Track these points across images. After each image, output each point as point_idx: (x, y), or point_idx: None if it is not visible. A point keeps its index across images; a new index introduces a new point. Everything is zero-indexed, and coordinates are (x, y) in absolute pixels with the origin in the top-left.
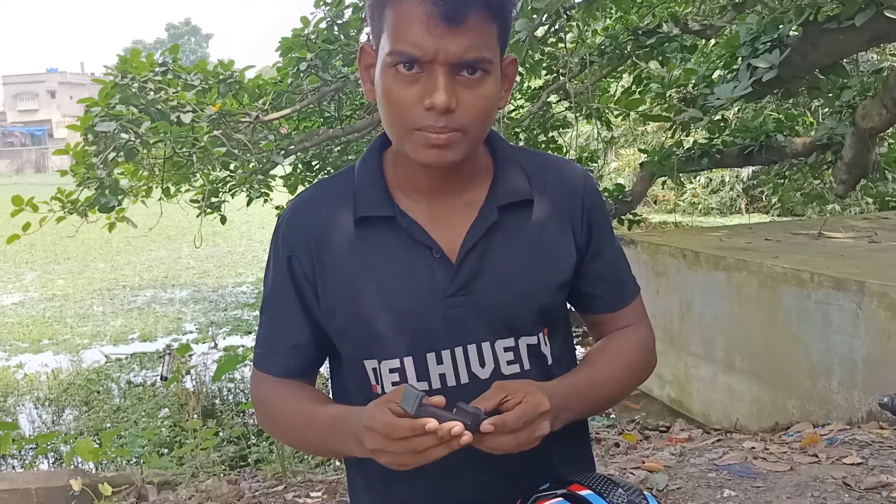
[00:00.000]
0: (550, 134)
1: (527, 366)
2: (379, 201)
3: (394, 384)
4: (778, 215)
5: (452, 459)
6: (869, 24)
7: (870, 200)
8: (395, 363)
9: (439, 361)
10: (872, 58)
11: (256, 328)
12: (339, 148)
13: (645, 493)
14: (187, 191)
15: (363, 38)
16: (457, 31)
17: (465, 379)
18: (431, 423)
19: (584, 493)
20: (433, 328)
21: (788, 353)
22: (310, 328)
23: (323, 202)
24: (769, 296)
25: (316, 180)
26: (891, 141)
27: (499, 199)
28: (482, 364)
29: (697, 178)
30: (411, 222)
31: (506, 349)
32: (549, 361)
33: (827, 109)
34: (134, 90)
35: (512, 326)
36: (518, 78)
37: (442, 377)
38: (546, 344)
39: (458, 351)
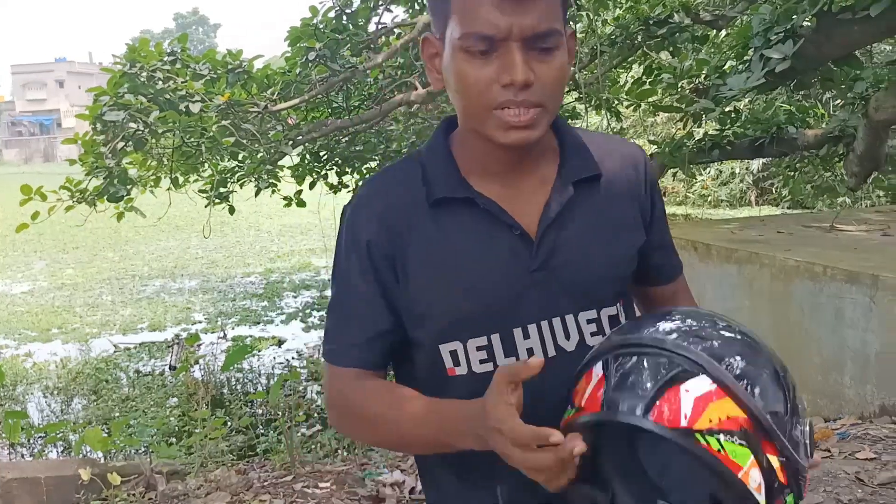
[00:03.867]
0: None
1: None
2: (454, 183)
3: (481, 361)
4: (788, 208)
5: None
6: (884, 14)
7: (881, 193)
8: (483, 341)
9: (526, 336)
10: (886, 49)
11: (277, 322)
12: (347, 139)
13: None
14: (196, 181)
15: (371, 27)
16: (526, 4)
17: (552, 352)
18: (556, 435)
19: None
20: (518, 304)
21: (800, 347)
22: (389, 316)
23: (392, 188)
24: (781, 289)
25: (323, 169)
26: None
27: (571, 175)
28: (567, 336)
29: (707, 169)
30: (489, 202)
31: (588, 321)
32: None
33: (839, 101)
34: (142, 79)
35: (593, 298)
36: None
37: (529, 352)
38: (623, 314)
39: (544, 325)
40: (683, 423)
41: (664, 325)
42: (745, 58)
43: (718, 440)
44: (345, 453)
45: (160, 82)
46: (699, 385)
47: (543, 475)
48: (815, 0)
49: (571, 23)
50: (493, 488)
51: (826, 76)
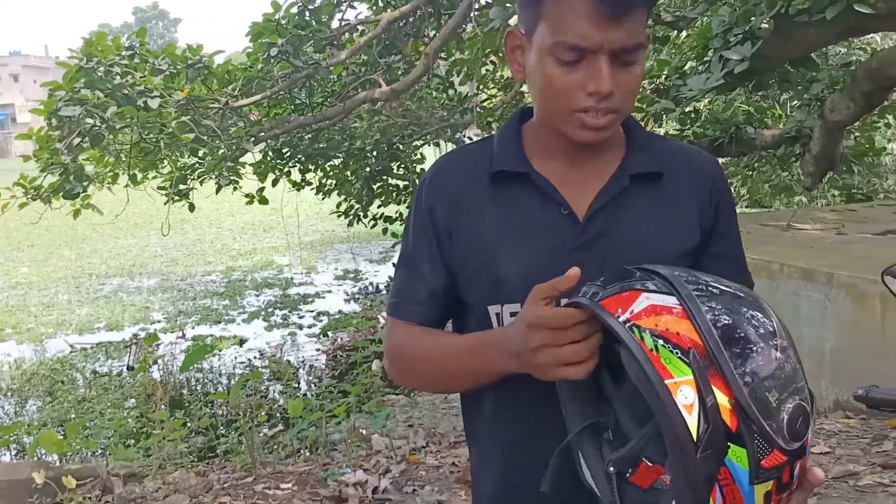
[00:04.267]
0: None
1: None
2: (515, 159)
3: None
4: (746, 206)
5: None
6: (839, 17)
7: (836, 193)
8: (517, 307)
9: None
10: (841, 51)
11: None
12: (310, 136)
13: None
14: (154, 178)
15: (335, 23)
16: (620, 23)
17: None
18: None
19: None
20: (555, 277)
21: None
22: (446, 277)
23: (463, 161)
24: None
25: (286, 166)
26: (857, 134)
27: (630, 168)
28: None
29: None
30: (543, 180)
31: None
32: None
33: (796, 102)
34: (100, 74)
35: None
36: (491, 67)
37: None
38: None
39: None
40: (626, 315)
41: (681, 271)
42: (705, 59)
43: (655, 342)
44: (307, 453)
45: (118, 77)
46: (664, 299)
47: (571, 351)
48: (773, 2)
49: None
50: (541, 452)
51: (783, 77)
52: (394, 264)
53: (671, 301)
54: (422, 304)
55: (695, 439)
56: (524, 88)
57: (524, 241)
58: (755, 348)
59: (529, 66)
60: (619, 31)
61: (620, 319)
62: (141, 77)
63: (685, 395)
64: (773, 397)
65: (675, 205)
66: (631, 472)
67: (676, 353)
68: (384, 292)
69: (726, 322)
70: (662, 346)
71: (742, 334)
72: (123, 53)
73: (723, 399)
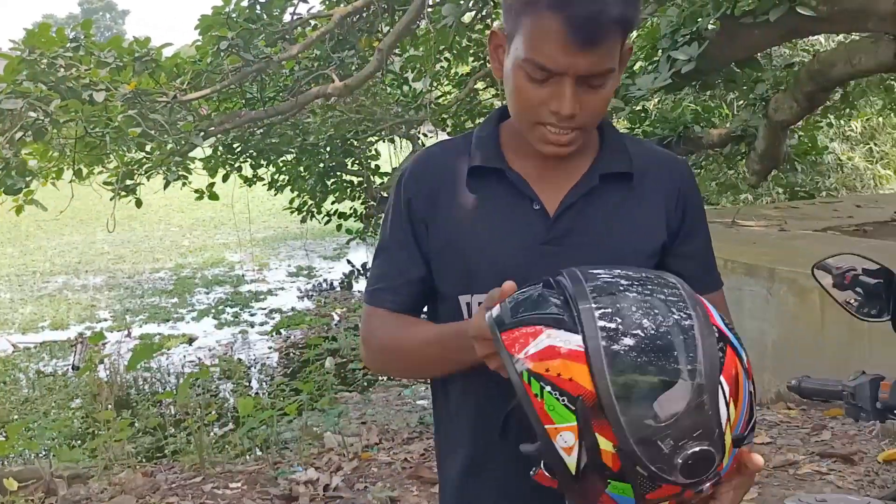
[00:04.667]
0: (478, 121)
1: None
2: (491, 155)
3: None
4: None
5: None
6: (782, 19)
7: (780, 190)
8: (485, 298)
9: None
10: (785, 52)
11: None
12: (262, 130)
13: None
14: (100, 173)
15: (286, 17)
16: (590, 51)
17: None
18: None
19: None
20: (525, 271)
21: None
22: (422, 267)
23: (443, 154)
24: None
25: (237, 162)
26: (801, 134)
27: (601, 168)
28: None
29: None
30: (517, 176)
31: None
32: None
33: (742, 102)
34: (43, 66)
35: None
36: (445, 63)
37: None
38: None
39: None
40: (521, 354)
41: (601, 272)
42: (654, 59)
43: (542, 388)
44: (258, 452)
45: (62, 70)
46: (566, 339)
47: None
48: (719, 4)
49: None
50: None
51: (729, 77)
52: (348, 261)
53: (574, 340)
54: (398, 293)
55: (573, 473)
56: (478, 85)
57: (496, 234)
58: (658, 395)
59: (505, 70)
60: (588, 58)
61: (516, 359)
62: (86, 70)
63: (565, 440)
64: (668, 444)
65: (644, 205)
66: (534, 470)
67: (563, 400)
68: (338, 289)
69: (631, 363)
70: (549, 392)
71: (647, 380)
72: (68, 45)
73: (606, 445)
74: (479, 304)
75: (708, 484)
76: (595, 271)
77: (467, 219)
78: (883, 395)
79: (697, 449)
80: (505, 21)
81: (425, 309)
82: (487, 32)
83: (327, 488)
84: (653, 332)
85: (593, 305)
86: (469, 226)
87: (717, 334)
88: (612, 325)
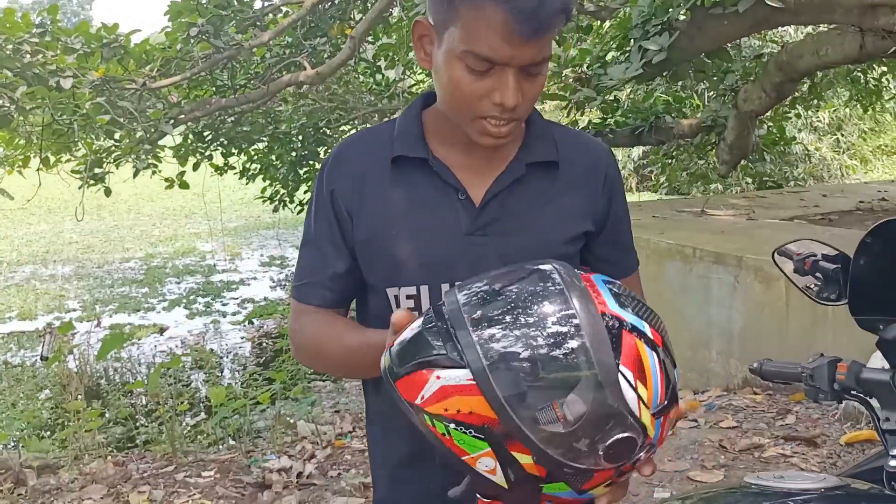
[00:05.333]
0: None
1: None
2: (415, 144)
3: (410, 310)
4: (666, 194)
5: None
6: (751, 10)
7: (749, 180)
8: (412, 290)
9: None
10: (754, 43)
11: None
12: (232, 118)
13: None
14: (68, 161)
15: (257, 4)
16: (533, 42)
17: None
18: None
19: None
20: (451, 262)
21: (672, 324)
22: (348, 259)
23: (364, 144)
24: (655, 270)
25: (208, 150)
26: (770, 124)
27: (527, 157)
28: None
29: None
30: (441, 165)
31: None
32: None
33: (712, 92)
34: (8, 52)
35: None
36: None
37: None
38: None
39: None
40: (418, 401)
41: (468, 292)
42: (625, 49)
43: (446, 427)
44: (231, 442)
45: (28, 56)
46: (455, 376)
47: None
48: None
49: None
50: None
51: (699, 68)
52: None
53: (462, 375)
54: (325, 287)
55: (507, 487)
56: None
57: (421, 225)
58: (559, 404)
59: (437, 61)
60: (531, 49)
61: (415, 406)
62: (53, 56)
63: (485, 464)
64: (584, 443)
65: (570, 192)
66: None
67: (469, 432)
68: None
69: (523, 380)
70: (454, 429)
71: (542, 392)
72: (34, 31)
73: (526, 459)
74: (408, 297)
75: (643, 454)
76: (473, 287)
77: (392, 210)
78: (840, 376)
79: (616, 438)
80: (434, 11)
81: (356, 301)
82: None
83: (300, 475)
84: (538, 342)
85: (472, 334)
86: (394, 217)
87: (607, 322)
88: (497, 348)
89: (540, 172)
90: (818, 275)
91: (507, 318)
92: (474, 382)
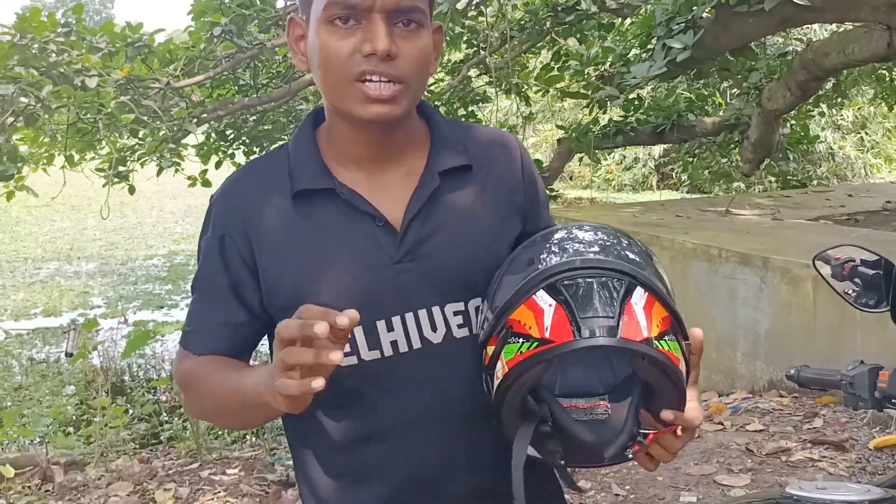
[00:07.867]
0: (470, 108)
1: (476, 329)
2: (317, 174)
3: (346, 354)
4: (687, 192)
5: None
6: (777, 8)
7: (773, 179)
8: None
9: (389, 329)
10: (779, 41)
11: (182, 306)
12: (254, 117)
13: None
14: (92, 159)
15: (280, 3)
16: None
17: (417, 344)
18: (315, 310)
19: None
20: (381, 296)
21: (697, 325)
22: (241, 309)
23: (256, 181)
24: (680, 270)
25: (230, 149)
26: (793, 122)
27: (438, 165)
28: (434, 328)
29: (612, 154)
30: (351, 192)
31: (455, 313)
32: None
33: (735, 91)
34: (34, 52)
35: (460, 289)
36: None
37: (393, 344)
38: None
39: (409, 317)
40: (645, 334)
41: (582, 245)
42: (649, 47)
43: (665, 341)
44: (254, 439)
45: (53, 55)
46: (640, 296)
47: (295, 387)
48: None
49: (453, 22)
50: (375, 488)
51: (723, 66)
52: None
53: (641, 293)
54: (212, 335)
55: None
56: (472, 73)
57: (341, 262)
58: (670, 286)
59: (311, 51)
60: None
61: (646, 341)
62: (78, 55)
63: (683, 366)
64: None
65: (491, 194)
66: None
67: (671, 337)
68: None
69: (660, 282)
70: (669, 340)
71: (667, 285)
72: (59, 30)
73: (685, 346)
74: None
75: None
76: (562, 251)
77: (304, 251)
78: (881, 384)
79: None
80: (301, 3)
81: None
82: (481, 19)
83: None
84: (629, 244)
85: (611, 258)
86: (308, 258)
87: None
88: (631, 260)
89: (455, 179)
90: (857, 280)
91: (612, 241)
92: (647, 293)
